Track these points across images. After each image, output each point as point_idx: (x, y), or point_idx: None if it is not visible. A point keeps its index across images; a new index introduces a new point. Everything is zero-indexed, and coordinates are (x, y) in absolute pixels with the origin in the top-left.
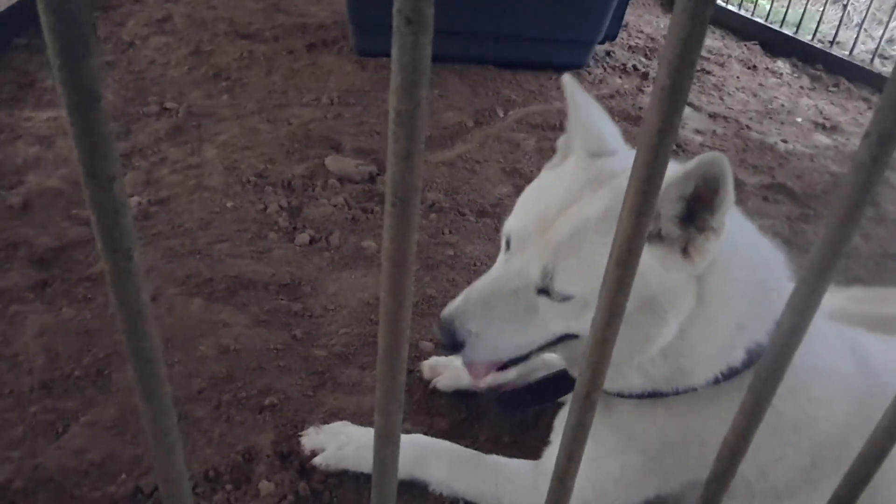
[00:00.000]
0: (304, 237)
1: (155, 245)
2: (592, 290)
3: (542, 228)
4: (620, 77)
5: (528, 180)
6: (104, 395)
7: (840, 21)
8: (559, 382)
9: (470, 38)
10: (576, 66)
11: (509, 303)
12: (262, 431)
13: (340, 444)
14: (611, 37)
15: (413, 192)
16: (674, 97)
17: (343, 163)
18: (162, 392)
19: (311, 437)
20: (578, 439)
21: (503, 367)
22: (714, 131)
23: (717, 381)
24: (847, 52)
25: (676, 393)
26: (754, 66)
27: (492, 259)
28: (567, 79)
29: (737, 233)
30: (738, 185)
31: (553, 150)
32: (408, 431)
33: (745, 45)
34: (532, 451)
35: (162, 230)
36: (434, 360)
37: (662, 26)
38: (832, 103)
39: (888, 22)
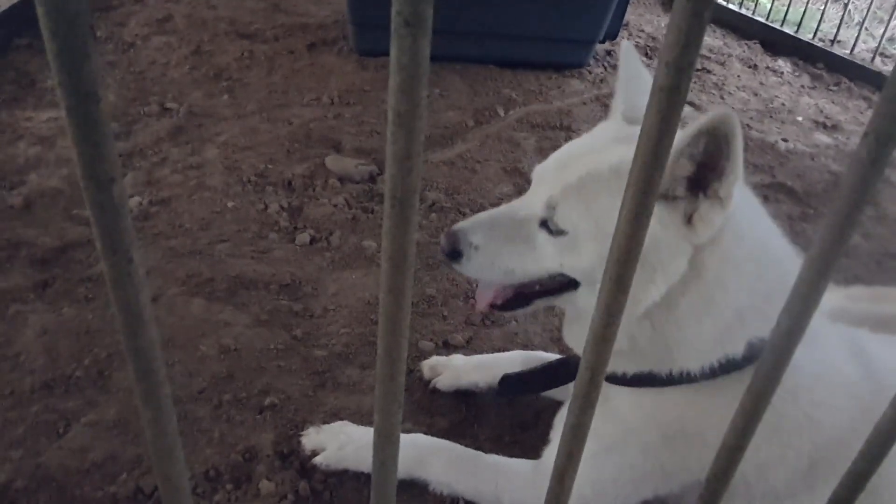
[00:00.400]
0: (304, 237)
1: (156, 245)
2: (584, 231)
3: (558, 170)
4: None
5: (529, 179)
6: (105, 395)
7: (841, 20)
8: (561, 370)
9: (470, 37)
10: (576, 66)
11: (513, 228)
12: (263, 431)
13: (341, 443)
14: (611, 36)
15: (412, 193)
16: (672, 98)
17: (343, 162)
18: (161, 393)
19: (312, 437)
20: (578, 438)
21: (505, 307)
22: None
23: (714, 373)
24: (848, 51)
25: (671, 379)
26: (755, 65)
27: None
28: (626, 45)
29: (750, 224)
30: None
31: (553, 150)
32: (408, 431)
33: (746, 44)
34: (532, 450)
35: (163, 230)
36: (434, 359)
37: (663, 25)
38: (833, 102)
39: (889, 21)
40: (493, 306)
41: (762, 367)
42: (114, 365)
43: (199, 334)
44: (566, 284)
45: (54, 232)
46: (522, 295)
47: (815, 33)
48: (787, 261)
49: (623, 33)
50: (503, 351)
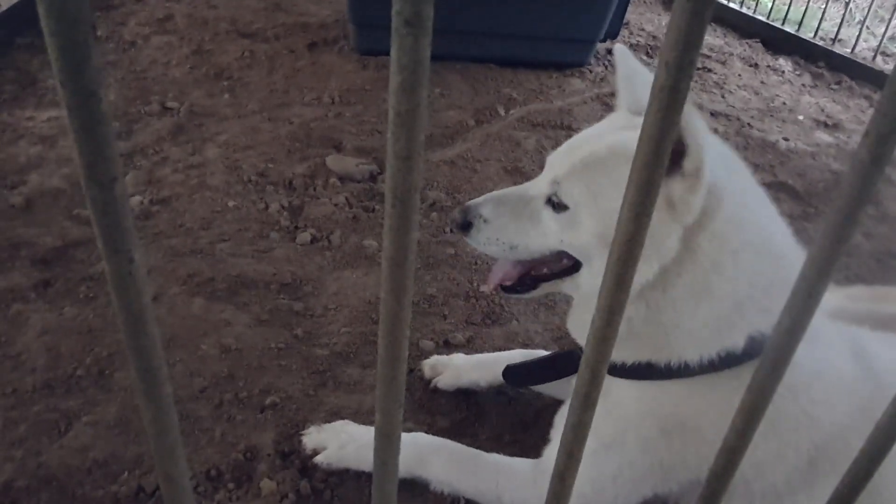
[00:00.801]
0: (305, 236)
1: (156, 244)
2: (583, 207)
3: (566, 154)
4: None
5: (529, 179)
6: (106, 395)
7: (842, 19)
8: (565, 361)
9: (471, 36)
10: (577, 65)
11: (521, 204)
12: (264, 430)
13: (342, 442)
14: (612, 35)
15: (413, 192)
16: (673, 98)
17: (344, 162)
18: (163, 392)
19: (313, 436)
20: (578, 437)
21: (512, 289)
22: (715, 129)
23: (713, 366)
24: (849, 50)
25: (670, 371)
26: (756, 64)
27: (492, 258)
28: (619, 48)
29: (750, 213)
30: None
31: (553, 149)
32: (409, 430)
33: (747, 43)
34: (532, 449)
35: (163, 229)
36: (435, 359)
37: (664, 24)
38: (834, 101)
39: (890, 19)
40: (502, 288)
41: (763, 365)
42: (115, 364)
43: (200, 334)
44: (570, 268)
45: (55, 231)
46: (529, 277)
47: (817, 32)
48: (792, 256)
49: (624, 32)
50: (504, 350)
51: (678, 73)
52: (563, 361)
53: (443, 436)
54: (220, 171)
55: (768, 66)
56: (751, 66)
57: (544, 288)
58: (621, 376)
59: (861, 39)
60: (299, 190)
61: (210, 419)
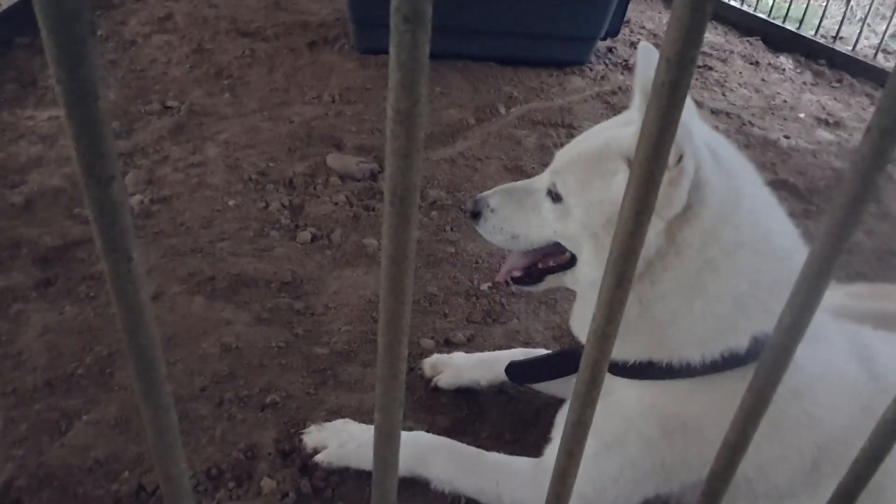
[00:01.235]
0: (305, 235)
1: (157, 243)
2: (574, 198)
3: (570, 148)
4: (623, 73)
5: (530, 177)
6: (107, 394)
7: (843, 16)
8: (568, 359)
9: (471, 34)
10: (578, 63)
11: (525, 196)
12: (264, 429)
13: (342, 441)
14: (613, 33)
15: (412, 190)
16: (674, 94)
17: (344, 160)
18: (162, 392)
19: (313, 435)
20: (579, 436)
21: (520, 280)
22: (716, 127)
23: (716, 367)
24: (850, 48)
25: (672, 371)
26: (757, 62)
27: (493, 256)
28: (644, 45)
29: (747, 211)
30: None
31: (554, 148)
32: (409, 429)
33: (748, 41)
34: (533, 448)
35: (164, 228)
36: (435, 357)
37: (664, 22)
38: (835, 99)
39: (891, 17)
40: (511, 279)
41: (764, 364)
42: (115, 363)
43: (200, 332)
44: (569, 260)
45: (56, 231)
46: (536, 270)
47: (818, 30)
48: (797, 257)
49: (624, 30)
50: (504, 349)
51: (679, 69)
52: (567, 359)
53: (443, 435)
54: (220, 169)
55: (769, 64)
56: (752, 63)
57: (549, 281)
58: (623, 375)
59: (862, 37)
60: (300, 189)
61: (210, 418)
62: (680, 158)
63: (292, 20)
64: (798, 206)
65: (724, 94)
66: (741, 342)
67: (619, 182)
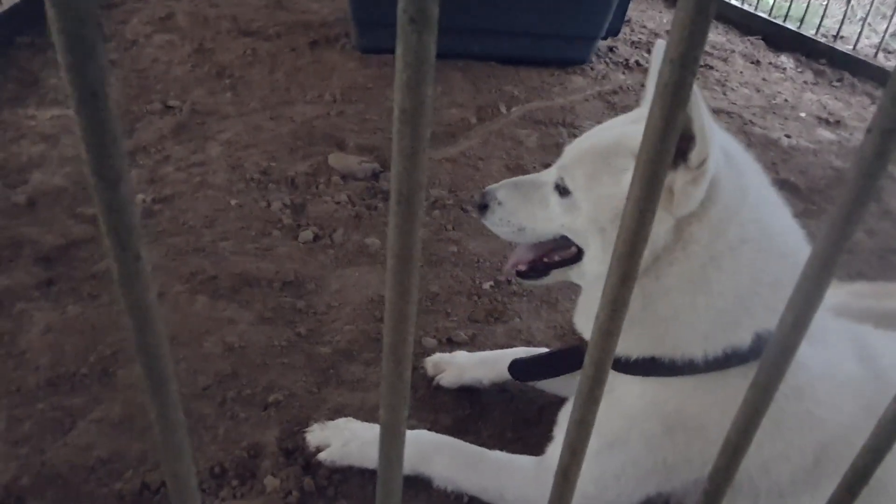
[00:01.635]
0: (307, 234)
1: (159, 243)
2: (582, 193)
3: (578, 143)
4: (623, 73)
5: None
6: (110, 392)
7: (844, 15)
8: (571, 356)
9: (472, 34)
10: (578, 62)
11: (532, 189)
12: (267, 428)
13: (345, 440)
14: (613, 32)
15: (418, 189)
16: (678, 94)
17: (346, 160)
18: (169, 390)
19: (316, 434)
20: (581, 434)
21: (526, 274)
22: None
23: (719, 364)
24: (851, 47)
25: (675, 367)
26: (757, 62)
27: (494, 256)
28: (661, 43)
29: (752, 209)
30: None
31: (555, 147)
32: (412, 427)
33: (749, 40)
34: (536, 446)
35: (166, 228)
36: (438, 356)
37: (665, 21)
38: (836, 98)
39: (892, 16)
40: (517, 273)
41: (766, 362)
42: (119, 362)
43: (203, 332)
44: (575, 255)
45: (58, 230)
46: (542, 264)
47: (818, 29)
48: (800, 255)
49: (625, 30)
50: (506, 348)
51: (683, 69)
52: (570, 356)
53: (446, 433)
54: (222, 169)
55: (770, 64)
56: (752, 63)
57: (554, 275)
58: (626, 372)
59: (863, 36)
60: (301, 188)
61: (213, 417)
62: (703, 161)
63: (294, 19)
64: (799, 206)
65: (724, 94)
66: (744, 339)
67: (628, 178)
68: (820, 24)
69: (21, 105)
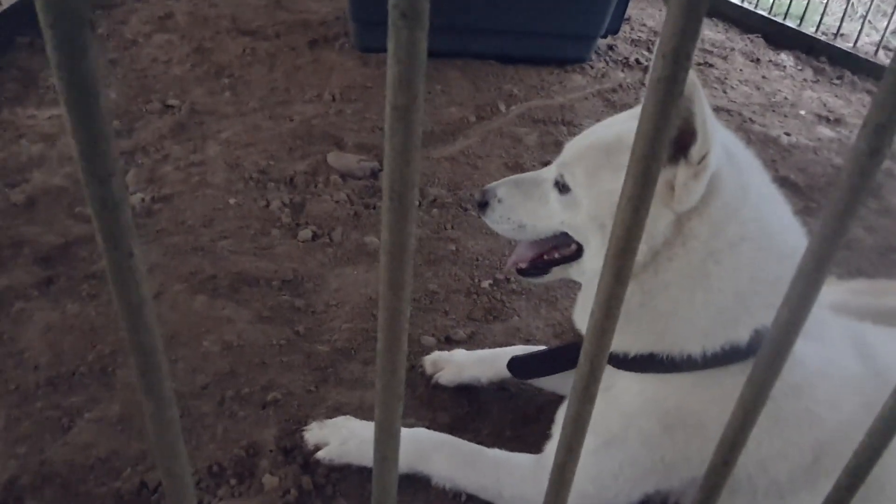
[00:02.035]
0: (306, 233)
1: (158, 242)
2: (583, 190)
3: (579, 140)
4: (623, 71)
5: None
6: (109, 392)
7: (844, 13)
8: (570, 353)
9: (471, 33)
10: (578, 61)
11: (532, 186)
12: (266, 427)
13: (343, 438)
14: (613, 31)
15: (411, 186)
16: (670, 89)
17: (345, 159)
18: (164, 386)
19: (314, 432)
20: (578, 431)
21: (526, 272)
22: None
23: (717, 360)
24: (851, 45)
25: (673, 364)
26: (757, 59)
27: (493, 255)
28: None
29: (752, 206)
30: None
31: (555, 145)
32: (410, 426)
33: (748, 38)
34: (534, 445)
35: (165, 227)
36: (436, 355)
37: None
38: (836, 96)
39: (892, 14)
40: (517, 271)
41: (762, 357)
42: (117, 361)
43: (201, 331)
44: (575, 252)
45: (57, 229)
46: (542, 261)
47: (818, 27)
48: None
49: (625, 28)
50: (505, 346)
51: (675, 64)
52: (569, 353)
53: (444, 431)
54: (221, 168)
55: (770, 61)
56: (752, 61)
57: (555, 273)
58: (624, 368)
59: (863, 34)
60: (300, 187)
61: (212, 416)
62: (704, 156)
63: (293, 19)
64: (798, 203)
65: (724, 92)
66: (742, 336)
67: None
68: (820, 22)
69: (20, 105)
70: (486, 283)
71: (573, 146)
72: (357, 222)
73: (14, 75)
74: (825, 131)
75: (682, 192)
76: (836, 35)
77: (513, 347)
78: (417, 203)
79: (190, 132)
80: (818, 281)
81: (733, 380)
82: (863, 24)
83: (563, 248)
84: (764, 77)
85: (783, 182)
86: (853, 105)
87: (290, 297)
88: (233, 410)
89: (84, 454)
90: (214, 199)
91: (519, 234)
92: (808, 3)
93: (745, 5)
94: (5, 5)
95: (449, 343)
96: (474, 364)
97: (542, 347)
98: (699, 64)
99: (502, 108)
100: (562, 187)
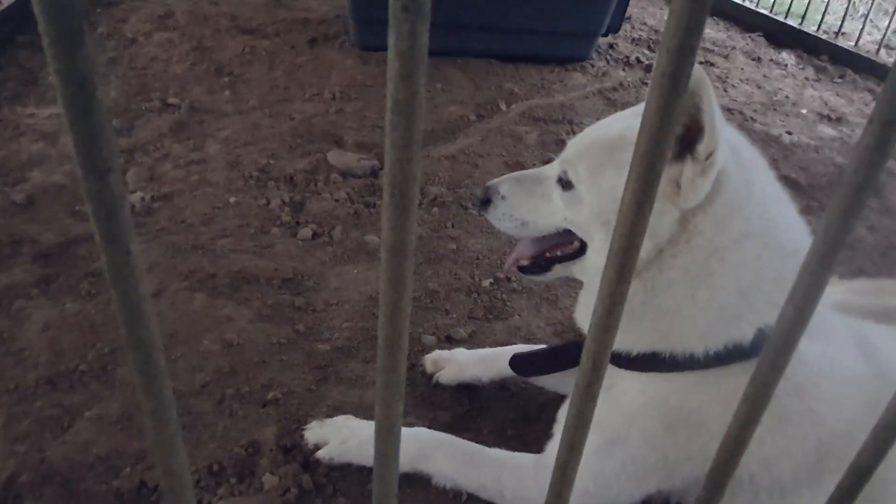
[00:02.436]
0: (306, 232)
1: (158, 241)
2: (586, 186)
3: (582, 137)
4: (624, 69)
5: None
6: (109, 390)
7: (845, 12)
8: (573, 351)
9: (472, 31)
10: (579, 59)
11: (535, 183)
12: (266, 425)
13: (343, 437)
14: (614, 29)
15: (412, 181)
16: (674, 84)
17: (345, 157)
18: (162, 383)
19: (315, 431)
20: (580, 429)
21: (528, 270)
22: None
23: (720, 359)
24: (852, 43)
25: (676, 363)
26: (758, 58)
27: (494, 253)
28: None
29: (757, 203)
30: None
31: (555, 144)
32: (411, 425)
33: (750, 37)
34: (535, 444)
35: (165, 226)
36: (437, 354)
37: (666, 18)
38: (837, 94)
39: (894, 12)
40: (518, 268)
41: (766, 356)
42: (117, 360)
43: (201, 329)
44: (578, 250)
45: (57, 228)
46: (544, 259)
47: (820, 25)
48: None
49: (626, 26)
50: (506, 345)
51: (680, 59)
52: (571, 351)
53: (445, 431)
54: (221, 167)
55: (771, 60)
56: (753, 59)
57: (557, 270)
58: (627, 367)
59: (864, 32)
60: (300, 185)
61: (212, 414)
62: (711, 153)
63: (292, 17)
64: (800, 202)
65: (725, 91)
66: (746, 334)
67: None
68: (821, 21)
69: (21, 103)
70: (486, 282)
71: (576, 143)
72: (357, 221)
73: (14, 74)
74: (827, 130)
75: (688, 189)
76: (837, 34)
77: (514, 346)
78: (418, 201)
79: (190, 131)
80: (824, 277)
81: (736, 379)
82: (864, 22)
83: (565, 246)
84: (765, 76)
85: (785, 181)
86: (855, 104)
87: (290, 295)
88: (233, 409)
89: (84, 453)
90: (214, 197)
91: (521, 232)
92: (809, 2)
93: (747, 4)
94: (5, 4)
95: (449, 342)
96: (475, 363)
97: (544, 346)
98: (700, 62)
99: (503, 106)
100: (565, 184)
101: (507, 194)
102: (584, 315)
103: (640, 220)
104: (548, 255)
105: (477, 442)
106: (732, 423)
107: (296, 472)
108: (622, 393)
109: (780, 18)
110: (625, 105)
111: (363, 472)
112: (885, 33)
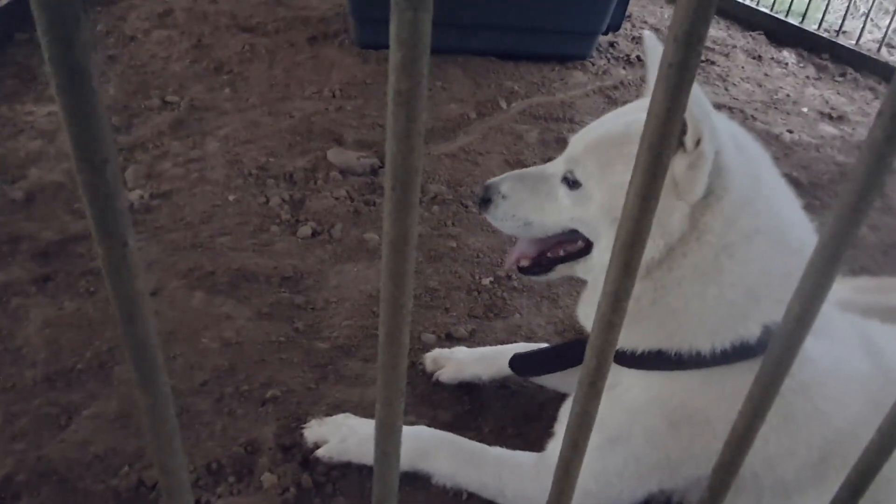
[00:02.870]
0: (306, 230)
1: (157, 238)
2: (594, 184)
3: (586, 133)
4: (624, 68)
5: None
6: (107, 388)
7: (846, 10)
8: (573, 351)
9: (472, 29)
10: (579, 58)
11: (538, 182)
12: (265, 424)
13: (343, 436)
14: (614, 28)
15: (413, 174)
16: (682, 75)
17: (345, 155)
18: (159, 380)
19: (314, 430)
20: (583, 428)
21: (528, 270)
22: None
23: (727, 357)
24: (853, 42)
25: (681, 360)
26: (759, 57)
27: (494, 251)
28: (648, 35)
29: (765, 200)
30: None
31: (556, 142)
32: (411, 424)
33: (751, 35)
34: (536, 442)
35: (164, 224)
36: (437, 352)
37: (666, 17)
38: (838, 93)
39: (895, 11)
40: (518, 268)
41: (772, 354)
42: (115, 358)
43: (200, 327)
44: (582, 249)
45: (55, 226)
46: (545, 259)
47: (821, 24)
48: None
49: (626, 25)
50: (506, 343)
51: (687, 49)
52: (572, 350)
53: (445, 429)
54: (220, 165)
55: (772, 59)
56: (754, 58)
57: (559, 270)
58: (631, 366)
59: (865, 31)
60: (300, 183)
61: (211, 413)
62: (698, 142)
63: (292, 15)
64: (801, 201)
65: (726, 89)
66: (752, 332)
67: None
68: (822, 19)
69: (19, 101)
70: (486, 281)
71: (580, 140)
72: (357, 219)
73: (12, 71)
74: (828, 128)
75: (684, 182)
76: (838, 32)
77: (514, 345)
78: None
79: (189, 128)
80: (831, 274)
81: (740, 377)
82: (865, 21)
83: (568, 245)
84: (766, 74)
85: (786, 179)
86: (856, 102)
87: (290, 293)
88: (232, 408)
89: (81, 451)
90: (213, 195)
91: (525, 232)
92: (809, 1)
93: (748, 3)
94: (3, 1)
95: (450, 340)
96: (475, 362)
97: (544, 345)
98: (700, 61)
99: (503, 104)
100: (571, 183)
101: (508, 193)
102: (587, 313)
103: (646, 214)
104: (549, 254)
105: (477, 441)
106: (737, 421)
107: (295, 470)
108: (625, 391)
109: (781, 17)
110: (625, 103)
111: (363, 471)
112: (886, 32)
